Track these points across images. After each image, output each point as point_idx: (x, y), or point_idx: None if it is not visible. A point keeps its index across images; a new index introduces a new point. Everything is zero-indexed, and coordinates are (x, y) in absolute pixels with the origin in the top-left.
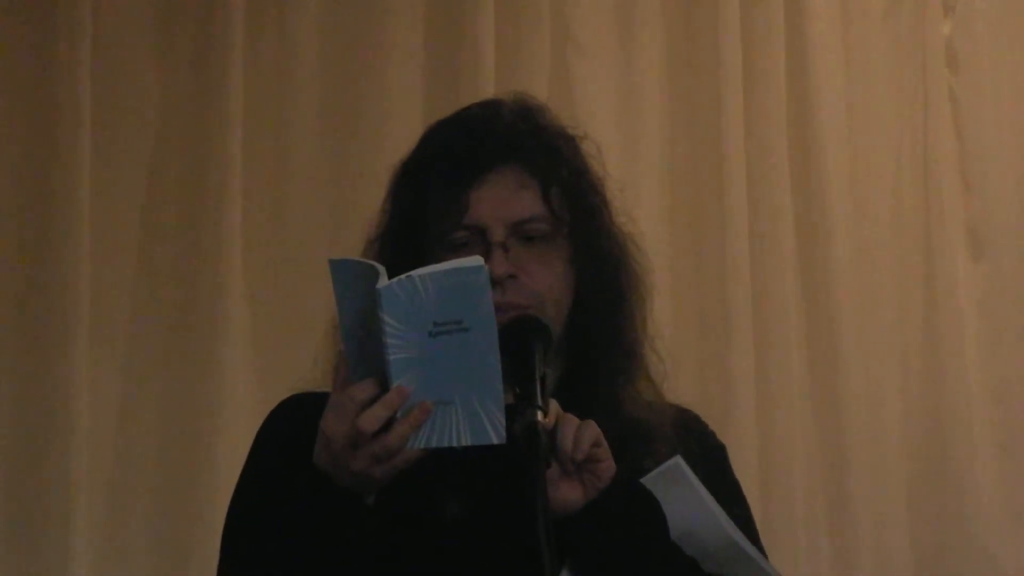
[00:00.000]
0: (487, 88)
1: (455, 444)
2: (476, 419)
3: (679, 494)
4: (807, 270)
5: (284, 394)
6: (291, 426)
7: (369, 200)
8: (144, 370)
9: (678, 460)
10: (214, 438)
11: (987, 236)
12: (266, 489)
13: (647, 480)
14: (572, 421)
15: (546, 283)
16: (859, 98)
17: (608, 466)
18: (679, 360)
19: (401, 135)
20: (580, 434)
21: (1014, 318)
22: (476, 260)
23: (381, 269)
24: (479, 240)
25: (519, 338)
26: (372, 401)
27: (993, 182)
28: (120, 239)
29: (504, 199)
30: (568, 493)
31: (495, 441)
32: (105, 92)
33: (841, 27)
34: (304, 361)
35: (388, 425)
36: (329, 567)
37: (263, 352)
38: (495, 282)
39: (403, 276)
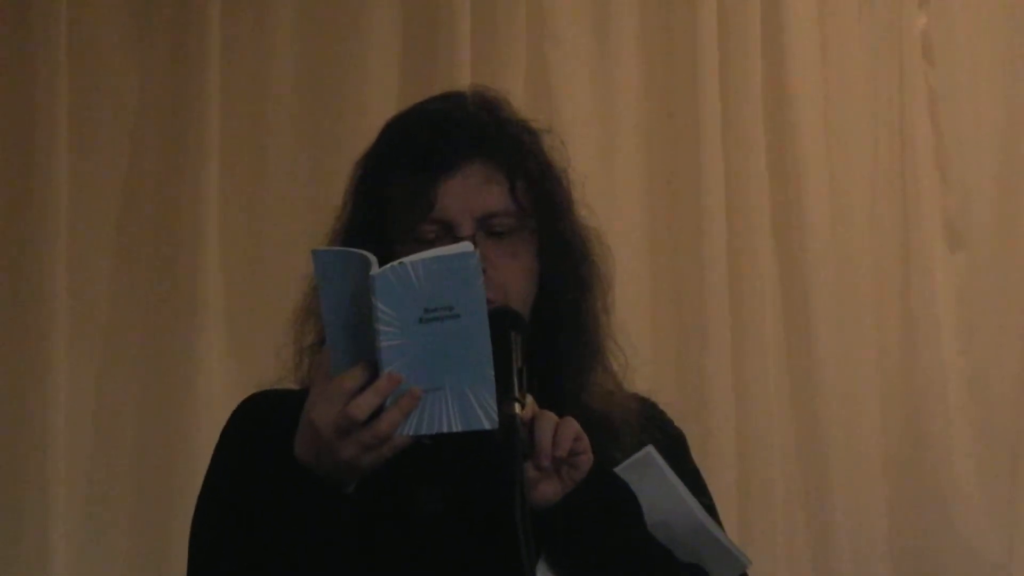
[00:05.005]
0: (463, 79)
1: (445, 430)
2: (467, 405)
3: (651, 483)
4: (784, 261)
5: (261, 383)
6: (257, 423)
7: None
8: (122, 360)
9: (650, 450)
10: (192, 427)
11: (964, 227)
12: (237, 483)
13: (620, 470)
14: (550, 418)
15: (513, 277)
16: (836, 89)
17: (587, 458)
18: (657, 352)
19: (377, 124)
20: (561, 431)
21: (991, 309)
22: (467, 246)
23: (372, 257)
24: (446, 234)
25: (496, 330)
26: (361, 389)
27: (970, 173)
28: (98, 226)
29: (472, 193)
30: (546, 488)
31: (487, 426)
32: (82, 76)
33: (818, 18)
34: (281, 351)
35: (378, 413)
36: (307, 557)
37: (240, 341)
38: None
39: (396, 263)
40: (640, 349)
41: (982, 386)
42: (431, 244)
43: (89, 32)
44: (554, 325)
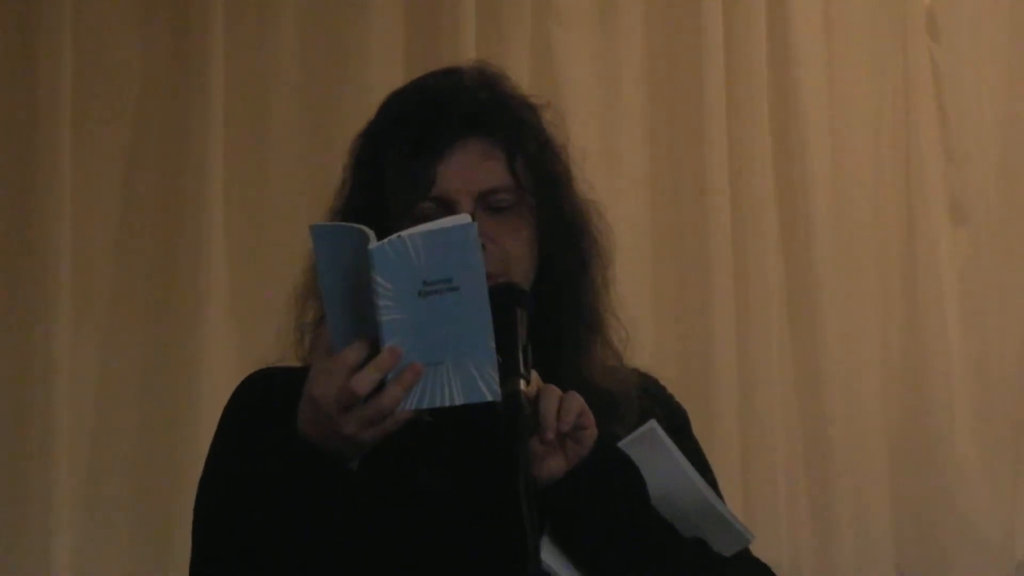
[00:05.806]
0: (468, 59)
1: (448, 404)
2: (469, 378)
3: (655, 458)
4: (788, 238)
5: (264, 360)
6: (259, 400)
7: None
8: (125, 340)
9: (653, 424)
10: (195, 406)
11: (968, 204)
12: (240, 460)
13: (623, 445)
14: (554, 393)
15: (514, 252)
16: (840, 66)
17: (591, 433)
18: (659, 329)
19: (380, 103)
20: (565, 405)
21: (995, 286)
22: (464, 218)
23: (370, 232)
24: (446, 211)
25: (501, 306)
26: (363, 364)
27: (974, 150)
28: (101, 205)
29: (470, 170)
30: (551, 463)
31: (489, 398)
32: (86, 63)
33: None
34: (283, 328)
35: (380, 387)
36: (311, 532)
37: (243, 320)
38: None
39: (394, 236)
40: (643, 326)
41: (985, 363)
42: (430, 221)
43: (93, 16)
44: (554, 300)
